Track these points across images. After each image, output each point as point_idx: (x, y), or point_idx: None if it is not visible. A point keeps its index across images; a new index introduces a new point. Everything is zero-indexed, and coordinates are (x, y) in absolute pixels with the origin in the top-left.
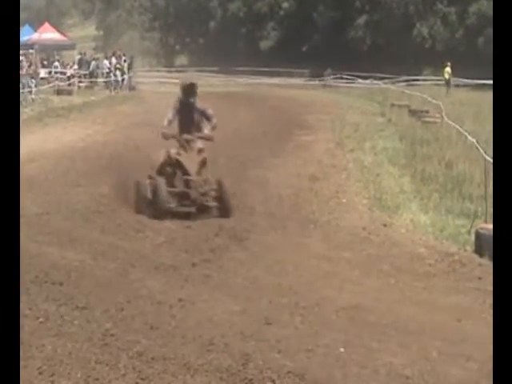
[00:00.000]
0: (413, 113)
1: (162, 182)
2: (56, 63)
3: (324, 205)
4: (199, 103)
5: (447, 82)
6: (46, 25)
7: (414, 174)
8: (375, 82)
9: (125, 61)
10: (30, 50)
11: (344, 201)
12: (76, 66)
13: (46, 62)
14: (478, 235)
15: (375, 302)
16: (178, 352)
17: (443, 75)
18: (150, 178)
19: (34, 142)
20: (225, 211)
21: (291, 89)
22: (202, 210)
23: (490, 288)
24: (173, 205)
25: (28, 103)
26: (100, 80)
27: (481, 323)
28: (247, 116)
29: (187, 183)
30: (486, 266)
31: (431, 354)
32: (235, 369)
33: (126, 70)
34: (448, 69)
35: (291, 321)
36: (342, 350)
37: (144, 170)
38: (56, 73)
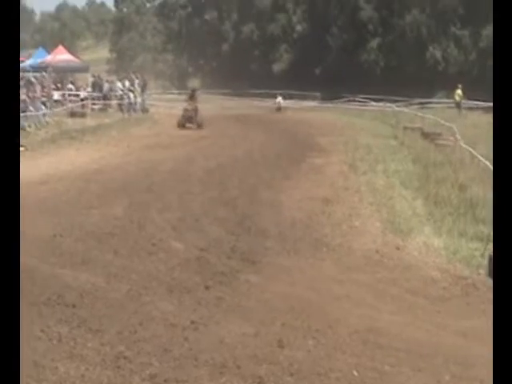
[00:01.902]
0: (426, 135)
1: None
2: (70, 86)
3: (337, 227)
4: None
5: (458, 105)
6: (60, 47)
7: (427, 196)
8: (388, 104)
9: (138, 83)
10: (44, 73)
11: (357, 224)
12: (89, 89)
13: (59, 85)
14: (492, 258)
15: (388, 325)
16: (190, 374)
17: (454, 98)
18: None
19: (47, 163)
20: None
21: (304, 111)
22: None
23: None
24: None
25: (42, 125)
26: (113, 102)
27: None
28: (260, 138)
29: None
30: None
31: (444, 378)
32: None
33: (139, 92)
34: (459, 91)
35: (304, 344)
36: (355, 373)
37: (154, 192)
38: (69, 95)
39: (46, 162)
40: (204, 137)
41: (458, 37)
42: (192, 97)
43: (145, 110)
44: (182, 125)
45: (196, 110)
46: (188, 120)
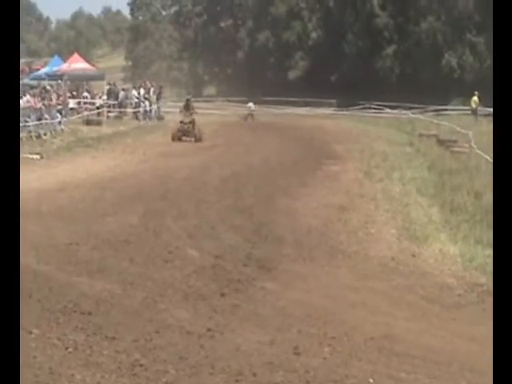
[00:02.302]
0: (441, 143)
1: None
2: (85, 93)
3: (352, 235)
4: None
5: (474, 112)
6: (76, 55)
7: (442, 203)
8: (403, 111)
9: (154, 91)
10: (59, 81)
11: (372, 231)
12: (105, 97)
13: (75, 93)
14: None
15: (404, 332)
16: (206, 382)
17: (470, 105)
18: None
19: (63, 171)
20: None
21: (319, 118)
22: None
23: None
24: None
25: (57, 133)
26: (129, 110)
27: None
28: (275, 145)
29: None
30: None
31: None
32: None
33: (154, 100)
34: (475, 98)
35: (320, 351)
36: (370, 380)
37: (170, 200)
38: (85, 103)
39: (62, 169)
40: (219, 144)
41: (474, 44)
42: (187, 107)
43: (160, 118)
44: (177, 138)
45: (193, 122)
46: (184, 133)
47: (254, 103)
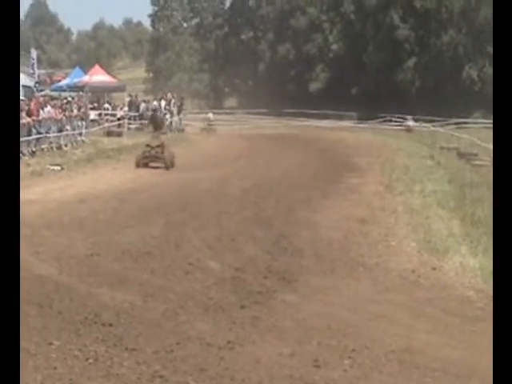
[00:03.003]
0: (462, 156)
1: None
2: (106, 105)
3: (373, 247)
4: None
5: None
6: (97, 67)
7: (463, 216)
8: (424, 124)
9: (174, 103)
10: (81, 92)
11: (393, 244)
12: (126, 108)
13: (96, 104)
14: None
15: (424, 345)
16: None
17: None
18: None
19: (84, 183)
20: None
21: (340, 131)
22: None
23: None
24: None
25: (78, 145)
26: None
27: None
28: (296, 158)
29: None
30: None
31: None
32: None
33: (175, 112)
34: None
35: (340, 363)
36: None
37: (190, 212)
38: (106, 115)
39: (83, 181)
40: (240, 157)
41: None
42: (156, 126)
43: (181, 130)
44: (143, 164)
45: (162, 145)
46: (151, 159)
47: (213, 113)
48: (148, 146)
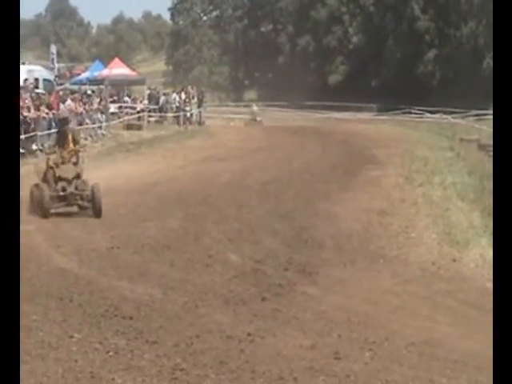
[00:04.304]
0: (482, 147)
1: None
2: (126, 98)
3: (393, 239)
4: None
5: None
6: (116, 60)
7: (483, 208)
8: (444, 116)
9: (193, 97)
10: (101, 86)
11: (413, 235)
12: (146, 101)
13: (116, 97)
14: None
15: (445, 337)
16: None
17: None
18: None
19: (104, 176)
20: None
21: (360, 123)
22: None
23: None
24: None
25: (98, 138)
26: (169, 115)
27: None
28: (316, 150)
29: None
30: None
31: None
32: None
33: (195, 104)
34: None
35: (361, 355)
36: None
37: (210, 204)
38: (126, 108)
39: (103, 174)
40: (260, 149)
41: None
42: (65, 137)
43: (201, 123)
44: (45, 211)
45: (79, 175)
46: (68, 199)
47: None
48: (59, 178)
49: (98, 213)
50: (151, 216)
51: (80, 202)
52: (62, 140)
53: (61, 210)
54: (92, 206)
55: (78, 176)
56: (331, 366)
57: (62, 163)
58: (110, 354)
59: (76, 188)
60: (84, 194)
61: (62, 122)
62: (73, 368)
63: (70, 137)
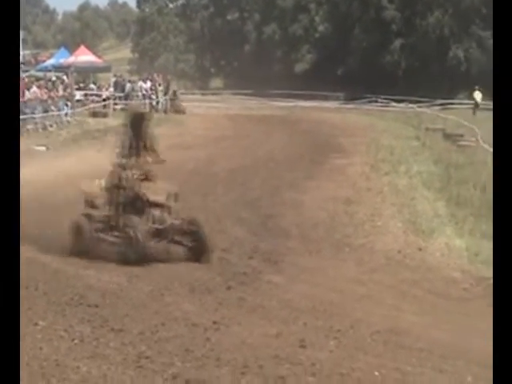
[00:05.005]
0: (447, 136)
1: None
2: (91, 85)
3: (359, 228)
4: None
5: (476, 106)
6: (82, 47)
7: (449, 197)
8: (410, 105)
9: (159, 84)
10: (66, 73)
11: (379, 224)
12: (111, 89)
13: (81, 85)
14: None
15: (410, 326)
16: (212, 375)
17: (474, 99)
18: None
19: (69, 164)
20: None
21: (326, 112)
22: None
23: None
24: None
25: (63, 125)
26: (135, 102)
27: None
28: (282, 139)
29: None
30: None
31: (466, 379)
32: None
33: (160, 92)
34: (477, 93)
35: (326, 344)
36: (376, 373)
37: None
38: (91, 95)
39: (68, 161)
40: (226, 137)
41: (481, 37)
42: (143, 143)
43: (167, 111)
44: (140, 253)
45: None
46: (156, 234)
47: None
48: (149, 202)
49: (205, 256)
50: None
51: (179, 239)
52: (137, 146)
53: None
54: (196, 246)
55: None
56: (296, 354)
57: (145, 179)
58: (75, 341)
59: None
60: (185, 228)
61: (138, 120)
62: (37, 356)
63: (147, 141)
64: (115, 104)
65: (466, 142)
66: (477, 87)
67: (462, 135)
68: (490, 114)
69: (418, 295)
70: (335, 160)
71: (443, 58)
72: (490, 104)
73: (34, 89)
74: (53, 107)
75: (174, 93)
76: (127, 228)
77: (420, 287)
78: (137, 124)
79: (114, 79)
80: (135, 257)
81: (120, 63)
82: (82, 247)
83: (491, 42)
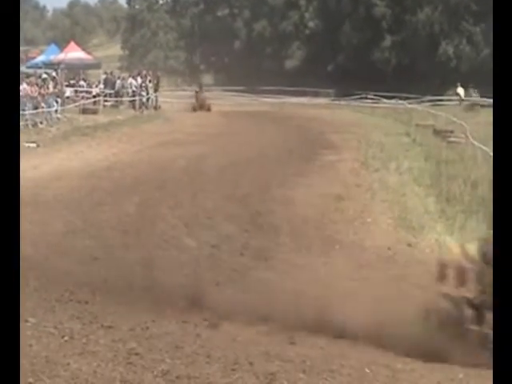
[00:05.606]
0: (438, 133)
1: None
2: (82, 82)
3: (349, 225)
4: None
5: (461, 100)
6: (72, 44)
7: (439, 194)
8: (400, 101)
9: (150, 81)
10: (56, 70)
11: (369, 221)
12: (101, 85)
13: (72, 82)
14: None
15: (400, 323)
16: (202, 371)
17: (458, 94)
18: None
19: (59, 160)
20: None
21: (316, 108)
22: None
23: None
24: None
25: (53, 122)
26: (125, 99)
27: None
28: (272, 135)
29: None
30: None
31: (457, 376)
32: None
33: (151, 89)
34: (459, 89)
35: (316, 341)
36: (367, 370)
37: (166, 190)
38: (81, 92)
39: (58, 158)
40: (217, 134)
41: (471, 33)
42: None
43: (157, 107)
44: None
45: None
46: None
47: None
48: None
49: None
50: (107, 200)
51: None
52: None
53: None
54: None
55: None
56: (287, 351)
57: None
58: (65, 338)
59: None
60: None
61: None
62: (27, 353)
63: None
64: (105, 101)
65: (456, 139)
66: (459, 84)
67: (452, 131)
68: (482, 111)
69: (408, 291)
70: (326, 156)
71: (433, 55)
72: (478, 99)
73: (24, 86)
74: (43, 104)
75: (200, 86)
76: None
77: (410, 283)
78: None
79: (104, 76)
80: None
81: (110, 60)
82: None
83: (481, 37)
